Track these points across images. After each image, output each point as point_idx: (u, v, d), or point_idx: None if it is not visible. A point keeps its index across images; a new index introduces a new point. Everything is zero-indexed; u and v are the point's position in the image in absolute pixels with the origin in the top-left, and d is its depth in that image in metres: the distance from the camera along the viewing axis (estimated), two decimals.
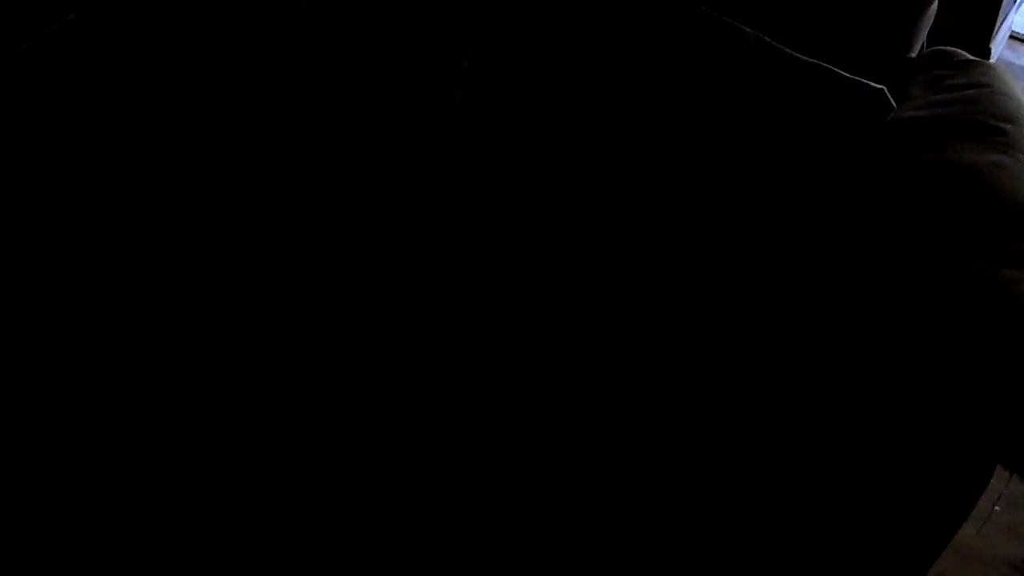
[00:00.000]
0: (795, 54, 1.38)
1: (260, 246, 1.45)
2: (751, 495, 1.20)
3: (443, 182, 1.55)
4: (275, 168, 1.56)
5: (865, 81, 1.34)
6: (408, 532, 1.17)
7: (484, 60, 1.59)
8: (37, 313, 1.33)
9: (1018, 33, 3.07)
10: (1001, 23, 2.36)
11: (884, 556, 1.16)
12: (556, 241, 1.46)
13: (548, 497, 1.21)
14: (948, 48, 1.51)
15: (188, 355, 1.31)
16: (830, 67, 1.36)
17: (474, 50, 1.59)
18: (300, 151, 1.59)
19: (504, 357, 1.34)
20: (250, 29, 1.66)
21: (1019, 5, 2.68)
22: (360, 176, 1.56)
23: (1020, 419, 1.01)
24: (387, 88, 1.63)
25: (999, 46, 2.55)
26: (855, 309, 1.18)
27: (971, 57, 1.47)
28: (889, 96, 1.34)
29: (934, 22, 1.55)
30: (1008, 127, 1.27)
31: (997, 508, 1.69)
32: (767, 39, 1.40)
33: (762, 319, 1.31)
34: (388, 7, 1.64)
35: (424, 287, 1.42)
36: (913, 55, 1.52)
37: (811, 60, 1.36)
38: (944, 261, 1.12)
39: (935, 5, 1.51)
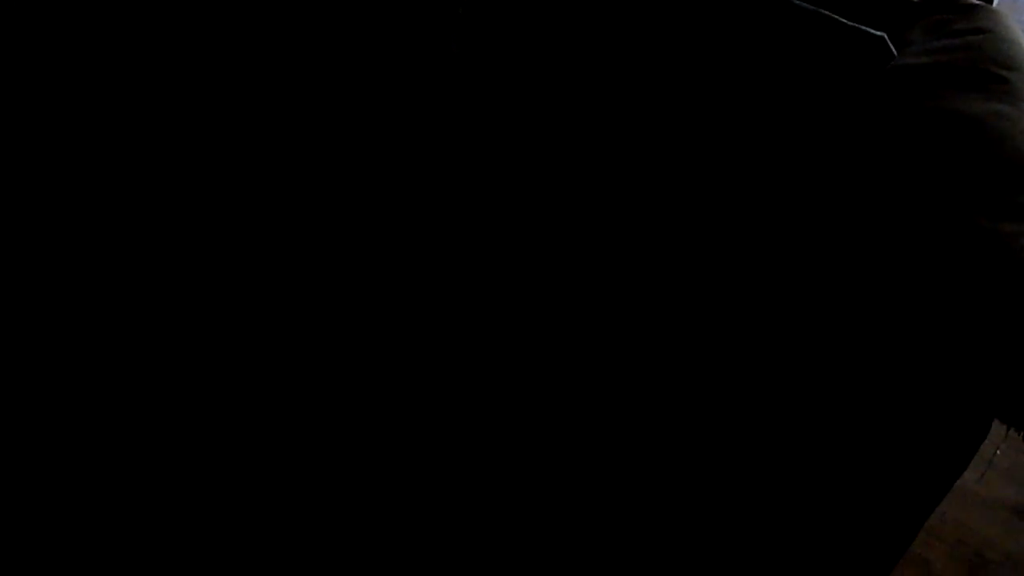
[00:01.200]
0: (793, 0, 1.35)
1: (249, 222, 1.44)
2: (753, 447, 1.20)
3: (439, 138, 1.53)
4: (261, 135, 1.54)
5: (865, 28, 1.31)
6: (408, 532, 1.17)
7: (479, 7, 1.56)
8: (36, 313, 1.33)
9: None
10: None
11: (884, 502, 1.17)
12: (554, 202, 1.44)
13: (548, 497, 1.20)
14: None
15: (186, 354, 1.31)
16: (829, 14, 1.33)
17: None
18: (286, 120, 1.57)
19: (502, 347, 1.34)
20: None
21: None
22: (352, 141, 1.54)
23: (1017, 375, 1.01)
24: (380, 39, 1.60)
25: None
26: (852, 262, 1.17)
27: (973, 1, 1.43)
28: (890, 44, 1.31)
29: None
30: (1010, 75, 1.25)
31: (998, 452, 1.70)
32: None
33: (760, 269, 1.30)
34: None
35: (421, 270, 1.41)
36: None
37: (809, 7, 1.33)
38: (944, 214, 1.10)
39: None
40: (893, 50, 1.31)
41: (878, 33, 1.31)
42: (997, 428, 1.08)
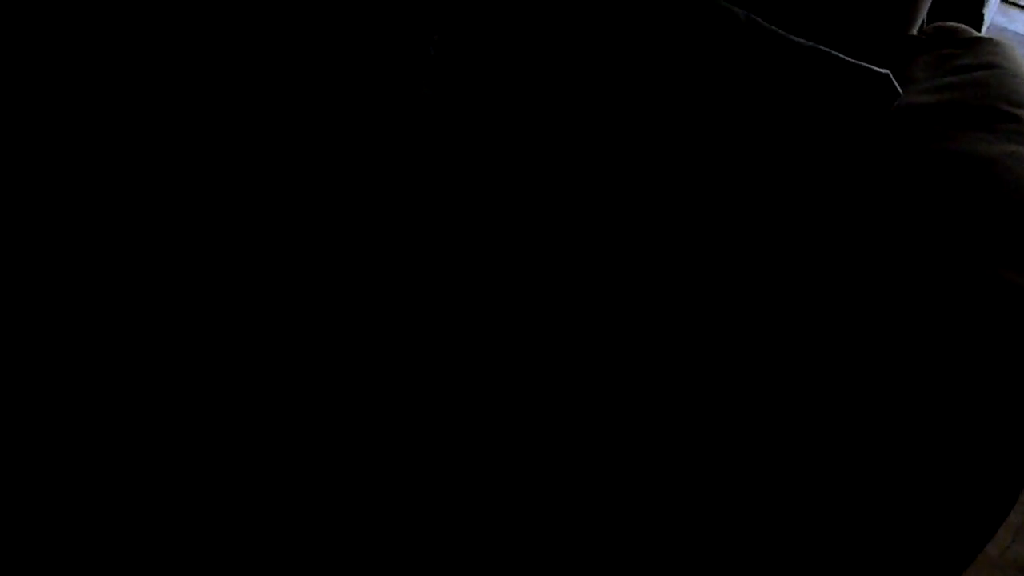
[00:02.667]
0: (791, 37, 1.27)
1: (235, 241, 1.41)
2: (768, 510, 1.12)
3: (410, 179, 1.45)
4: (237, 165, 1.48)
5: (868, 66, 1.23)
6: (408, 532, 1.14)
7: (452, 48, 1.48)
8: (36, 313, 1.31)
9: None
10: None
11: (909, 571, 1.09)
12: (538, 235, 1.36)
13: (547, 497, 1.15)
14: (951, 24, 1.41)
15: (181, 355, 1.28)
16: (830, 51, 1.25)
17: (440, 37, 1.49)
18: (256, 148, 1.49)
19: (501, 348, 1.27)
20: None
21: None
22: (321, 173, 1.46)
23: None
24: (348, 80, 1.52)
25: (991, 11, 2.46)
26: (865, 320, 1.08)
27: (977, 34, 1.36)
28: (895, 81, 1.23)
29: None
30: (1022, 113, 1.17)
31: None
32: (759, 20, 1.29)
33: (758, 324, 1.21)
34: None
35: (401, 285, 1.34)
36: (914, 32, 1.41)
37: (808, 43, 1.26)
38: (964, 267, 1.02)
39: None
40: (899, 88, 1.24)
41: (882, 71, 1.23)
42: None
